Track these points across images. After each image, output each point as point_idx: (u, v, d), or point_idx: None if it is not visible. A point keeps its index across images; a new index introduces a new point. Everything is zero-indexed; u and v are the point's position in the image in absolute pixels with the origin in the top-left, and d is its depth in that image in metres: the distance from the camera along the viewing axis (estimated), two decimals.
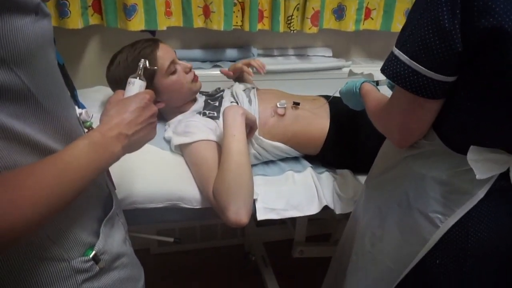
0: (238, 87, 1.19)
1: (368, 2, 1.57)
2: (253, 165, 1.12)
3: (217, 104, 1.11)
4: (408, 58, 0.62)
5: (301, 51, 1.73)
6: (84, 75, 1.58)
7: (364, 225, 0.91)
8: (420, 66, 0.60)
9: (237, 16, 1.51)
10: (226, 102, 1.12)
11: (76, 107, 0.63)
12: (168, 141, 1.05)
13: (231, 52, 1.62)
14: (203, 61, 1.61)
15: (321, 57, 1.71)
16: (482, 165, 0.65)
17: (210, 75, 1.52)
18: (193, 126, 1.00)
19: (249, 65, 1.26)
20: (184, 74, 1.11)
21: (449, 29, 0.56)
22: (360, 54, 1.81)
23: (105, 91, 1.33)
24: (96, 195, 0.61)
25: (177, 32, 1.58)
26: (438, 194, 0.72)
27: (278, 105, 1.13)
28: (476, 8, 0.54)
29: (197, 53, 1.61)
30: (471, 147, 0.66)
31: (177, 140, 0.98)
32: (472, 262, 0.72)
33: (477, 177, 0.64)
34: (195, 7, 1.47)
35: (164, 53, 1.08)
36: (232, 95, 1.16)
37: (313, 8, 1.50)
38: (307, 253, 1.42)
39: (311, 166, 1.14)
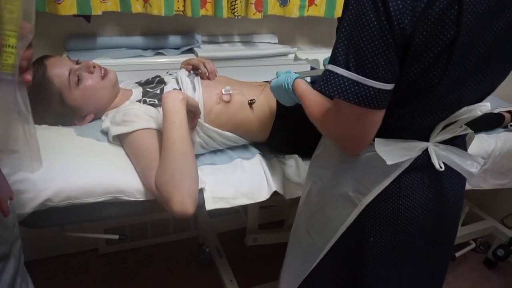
0: (183, 73, 1.13)
1: None
2: (200, 155, 1.09)
3: (158, 91, 1.06)
4: (344, 70, 0.61)
5: (247, 38, 1.70)
6: None
7: (301, 203, 0.94)
8: (358, 75, 0.60)
9: (178, 1, 1.45)
10: (169, 88, 1.06)
11: None
12: (106, 133, 0.98)
13: (174, 39, 1.56)
14: (145, 48, 1.53)
15: (267, 44, 1.70)
16: (391, 153, 0.69)
17: (152, 63, 1.45)
18: (132, 114, 0.94)
19: (202, 65, 1.19)
20: (90, 75, 1.01)
21: (379, 33, 0.57)
22: (305, 41, 1.82)
23: None
24: None
25: (115, 18, 1.49)
26: (356, 174, 0.77)
27: (224, 92, 1.09)
28: (392, 10, 0.56)
29: (138, 40, 1.53)
30: (375, 139, 0.70)
31: (116, 130, 0.92)
32: (402, 237, 0.77)
33: (388, 163, 0.68)
34: None
35: (56, 69, 0.97)
36: (177, 81, 1.10)
37: None
38: (260, 240, 1.42)
39: (259, 153, 1.13)
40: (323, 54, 1.67)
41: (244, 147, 1.17)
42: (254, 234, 1.40)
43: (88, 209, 0.86)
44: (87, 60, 1.04)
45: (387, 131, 0.70)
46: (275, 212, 1.82)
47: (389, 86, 0.62)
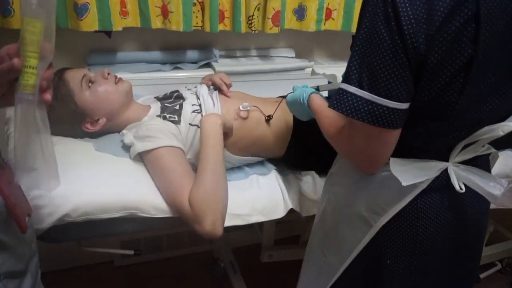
0: (203, 89, 1.14)
1: (328, 3, 1.57)
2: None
3: (177, 107, 1.06)
4: (357, 89, 0.60)
5: (264, 52, 1.70)
6: None
7: (316, 221, 0.92)
8: (371, 94, 0.59)
9: (197, 17, 1.46)
10: (188, 105, 1.07)
11: None
12: (126, 148, 0.99)
13: (192, 54, 1.57)
14: (163, 63, 1.55)
15: (283, 58, 1.69)
16: (406, 173, 0.67)
17: (170, 78, 1.47)
18: (155, 129, 0.95)
19: (223, 83, 1.19)
20: (104, 80, 1.05)
21: (393, 52, 0.56)
22: (322, 54, 1.81)
23: None
24: None
25: (135, 33, 1.51)
26: (371, 193, 0.74)
27: (241, 108, 1.09)
28: (406, 29, 0.55)
29: (156, 54, 1.54)
30: (391, 158, 0.68)
31: (140, 147, 0.93)
32: (420, 260, 0.74)
33: (403, 184, 0.66)
34: (153, 7, 1.41)
35: (72, 73, 1.04)
36: (196, 97, 1.11)
37: (273, 8, 1.48)
38: (276, 257, 1.40)
39: (275, 169, 1.12)
40: (340, 68, 1.66)
41: (260, 162, 1.16)
42: (270, 251, 1.38)
43: (105, 224, 0.86)
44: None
45: (404, 151, 0.68)
46: (291, 227, 1.79)
47: (404, 106, 0.60)
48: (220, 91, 1.17)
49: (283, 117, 1.12)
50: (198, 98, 1.10)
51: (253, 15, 1.49)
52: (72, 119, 1.02)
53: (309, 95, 0.88)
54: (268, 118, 1.10)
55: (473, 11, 0.54)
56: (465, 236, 0.77)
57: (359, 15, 0.62)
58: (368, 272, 0.79)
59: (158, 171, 0.90)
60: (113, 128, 1.07)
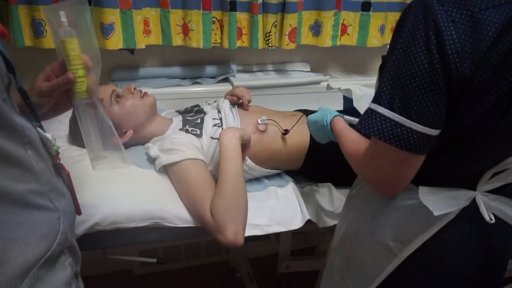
0: (226, 103, 1.19)
1: (344, 19, 1.61)
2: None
3: (199, 121, 1.11)
4: (387, 111, 0.59)
5: (280, 66, 1.75)
6: None
7: (335, 246, 0.91)
8: (402, 117, 0.58)
9: (216, 34, 1.53)
10: (209, 119, 1.12)
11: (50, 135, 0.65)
12: (151, 160, 1.04)
13: (210, 69, 1.63)
14: (183, 78, 1.62)
15: (299, 72, 1.74)
16: (437, 202, 0.65)
17: (190, 92, 1.52)
18: (179, 143, 1.00)
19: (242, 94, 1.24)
20: (131, 95, 1.11)
21: (430, 76, 0.55)
22: (337, 68, 1.85)
23: None
24: (34, 224, 0.53)
25: (157, 50, 1.58)
26: (397, 222, 0.72)
27: (259, 121, 1.14)
28: (450, 53, 0.54)
29: (176, 70, 1.61)
30: (420, 187, 0.67)
31: (166, 159, 0.97)
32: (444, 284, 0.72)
33: (434, 213, 0.64)
34: (174, 26, 1.48)
35: (102, 90, 1.07)
36: (218, 111, 1.16)
37: (290, 25, 1.53)
38: (292, 267, 1.42)
39: (292, 181, 1.15)
40: (355, 82, 1.70)
41: (278, 174, 1.19)
42: (286, 261, 1.40)
43: (131, 233, 0.91)
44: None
45: (431, 178, 0.67)
46: (307, 238, 1.81)
47: (434, 132, 0.59)
48: (239, 105, 1.22)
49: (300, 131, 1.15)
50: (219, 112, 1.15)
51: (270, 31, 1.54)
52: None
53: (333, 118, 0.88)
54: (285, 133, 1.14)
55: None
56: (490, 267, 0.75)
57: (393, 36, 0.62)
58: None
59: (182, 182, 0.95)
60: (138, 140, 1.12)
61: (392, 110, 0.59)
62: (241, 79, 1.60)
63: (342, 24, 1.63)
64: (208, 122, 1.10)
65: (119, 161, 0.73)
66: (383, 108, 0.60)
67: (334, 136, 0.87)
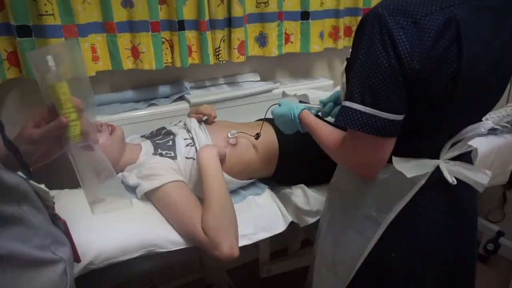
0: (194, 122, 1.20)
1: (285, 28, 1.71)
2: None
3: (170, 143, 1.12)
4: (360, 106, 0.70)
5: (231, 79, 1.80)
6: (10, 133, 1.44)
7: (322, 236, 0.99)
8: (374, 109, 0.69)
9: (166, 54, 1.53)
10: (180, 140, 1.13)
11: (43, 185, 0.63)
12: (129, 189, 1.02)
13: (163, 89, 1.62)
14: (137, 101, 1.59)
15: (250, 82, 1.80)
16: (409, 168, 0.78)
17: (147, 115, 1.50)
18: (157, 167, 1.00)
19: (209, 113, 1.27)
20: (99, 134, 1.07)
21: (391, 73, 0.67)
22: (284, 75, 1.94)
23: None
24: (42, 280, 0.53)
25: (106, 76, 1.54)
26: (377, 195, 0.84)
27: (229, 135, 1.17)
28: (402, 53, 0.66)
29: (129, 94, 1.58)
30: (393, 158, 0.79)
31: (147, 186, 0.96)
32: (421, 255, 0.84)
33: (407, 175, 0.77)
34: (123, 49, 1.46)
35: None
36: (187, 131, 1.17)
37: (238, 39, 1.58)
38: (274, 270, 1.47)
39: (268, 187, 1.20)
40: (303, 86, 1.80)
41: (252, 184, 1.24)
42: (267, 266, 1.45)
43: (124, 266, 0.89)
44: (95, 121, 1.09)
45: (402, 152, 0.79)
46: (280, 241, 1.87)
47: (401, 117, 0.71)
48: (205, 121, 1.24)
49: (269, 139, 1.21)
50: (189, 132, 1.16)
51: (219, 47, 1.58)
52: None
53: (301, 111, 0.97)
54: (257, 137, 1.18)
55: (455, 34, 0.66)
56: (461, 224, 0.87)
57: (353, 42, 0.74)
58: (374, 277, 0.87)
59: (168, 206, 0.95)
60: None
61: (364, 104, 0.70)
62: (196, 96, 1.62)
63: (285, 33, 1.72)
64: (180, 143, 1.11)
65: (120, 201, 0.72)
66: (356, 104, 0.71)
67: (303, 128, 0.96)
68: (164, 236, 0.92)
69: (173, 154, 1.07)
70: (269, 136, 1.20)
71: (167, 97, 1.63)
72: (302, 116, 0.96)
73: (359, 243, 0.87)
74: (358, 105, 0.70)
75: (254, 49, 1.70)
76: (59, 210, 0.89)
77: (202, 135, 1.14)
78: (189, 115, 1.31)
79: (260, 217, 1.10)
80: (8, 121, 1.41)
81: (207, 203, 0.93)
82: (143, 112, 1.51)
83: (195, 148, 1.11)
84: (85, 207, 0.94)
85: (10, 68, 1.33)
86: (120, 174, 1.11)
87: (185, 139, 1.13)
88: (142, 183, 0.98)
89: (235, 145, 1.17)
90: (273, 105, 1.11)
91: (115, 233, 0.88)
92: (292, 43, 1.75)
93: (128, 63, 1.49)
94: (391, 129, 0.71)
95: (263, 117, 1.39)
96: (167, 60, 1.54)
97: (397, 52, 0.66)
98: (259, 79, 1.82)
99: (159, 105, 1.56)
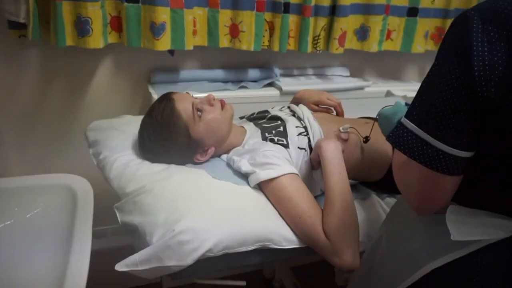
0: (307, 111, 1.12)
1: (389, 23, 1.59)
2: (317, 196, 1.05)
3: (281, 129, 1.04)
4: (415, 127, 0.57)
5: (319, 70, 1.70)
6: (97, 98, 1.42)
7: (364, 257, 0.86)
8: (428, 135, 0.55)
9: (264, 36, 1.45)
10: (291, 127, 1.04)
11: None
12: (239, 175, 0.95)
13: (253, 72, 1.55)
14: (225, 81, 1.52)
15: (339, 77, 1.70)
16: (463, 225, 0.61)
17: (237, 97, 1.43)
18: (273, 156, 0.92)
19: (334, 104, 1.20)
20: (211, 108, 1.00)
21: (456, 96, 0.52)
22: (373, 73, 1.83)
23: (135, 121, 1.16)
24: None
25: (196, 52, 1.48)
26: (430, 232, 0.69)
27: (342, 130, 1.08)
28: (477, 75, 0.50)
29: (219, 73, 1.51)
30: (450, 206, 0.63)
31: (264, 175, 0.89)
32: None
33: (452, 237, 0.59)
34: (222, 26, 1.39)
35: (183, 103, 0.97)
36: (298, 119, 1.08)
37: (341, 29, 1.48)
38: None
39: (374, 193, 1.10)
40: (395, 88, 1.68)
41: (353, 187, 1.14)
42: (347, 273, 1.35)
43: (236, 258, 0.82)
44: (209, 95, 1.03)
45: (472, 198, 0.61)
46: None
47: (462, 154, 0.55)
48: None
49: (382, 139, 1.10)
50: (300, 120, 1.08)
51: (319, 35, 1.49)
52: (180, 151, 0.97)
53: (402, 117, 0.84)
54: (366, 140, 1.09)
55: None
56: None
57: (439, 48, 0.59)
58: None
59: (284, 200, 0.87)
60: (214, 154, 1.03)
61: (420, 126, 0.56)
62: (286, 84, 1.53)
63: (387, 29, 1.60)
64: (292, 130, 1.03)
65: None
66: (411, 124, 0.58)
67: None
68: (279, 232, 0.84)
69: (285, 142, 0.99)
70: (381, 137, 1.10)
71: (255, 81, 1.56)
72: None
73: (389, 280, 0.73)
74: (413, 125, 0.57)
75: (351, 42, 1.59)
76: (170, 187, 0.84)
77: (316, 126, 1.05)
78: (304, 105, 1.21)
79: (364, 222, 1.00)
80: (101, 86, 1.40)
81: (331, 203, 0.85)
82: (234, 93, 1.44)
83: (308, 138, 1.03)
84: (205, 189, 0.88)
85: (111, 33, 1.29)
86: (224, 156, 1.04)
87: (296, 127, 1.05)
88: (258, 171, 0.90)
89: (346, 141, 1.08)
90: (386, 106, 0.99)
91: (235, 221, 0.81)
92: (392, 40, 1.63)
93: (224, 42, 1.42)
94: (448, 164, 0.55)
95: (362, 115, 1.30)
96: (263, 42, 1.46)
97: (471, 73, 0.50)
98: (348, 74, 1.72)
99: (249, 88, 1.49)
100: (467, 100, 0.52)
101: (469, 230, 0.60)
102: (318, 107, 1.20)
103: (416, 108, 0.58)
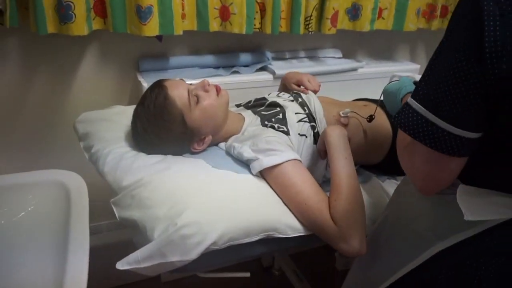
0: (314, 97, 1.08)
1: (380, 1, 1.55)
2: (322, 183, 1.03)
3: (280, 116, 1.00)
4: (421, 107, 0.54)
5: (311, 52, 1.67)
6: (83, 89, 1.35)
7: (374, 229, 0.86)
8: (435, 117, 0.53)
9: (255, 18, 1.40)
10: (291, 113, 1.01)
11: None
12: (239, 163, 0.92)
13: (245, 57, 1.50)
14: (216, 67, 1.47)
15: (331, 59, 1.66)
16: (475, 205, 0.59)
17: (229, 83, 1.38)
18: (275, 142, 0.89)
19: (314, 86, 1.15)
20: (206, 94, 0.96)
21: (465, 74, 0.50)
22: (364, 54, 1.80)
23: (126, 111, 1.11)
24: None
25: (184, 37, 1.42)
26: (437, 213, 0.68)
27: (342, 114, 1.05)
28: (488, 51, 0.47)
29: (209, 58, 1.46)
30: (460, 185, 0.61)
31: (267, 161, 0.86)
32: None
33: (465, 217, 0.57)
34: (212, 9, 1.33)
35: (177, 90, 0.93)
36: (300, 105, 1.05)
37: (333, 8, 1.44)
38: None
39: (375, 176, 1.09)
40: (386, 68, 1.66)
41: None
42: (347, 258, 1.35)
43: (241, 249, 0.80)
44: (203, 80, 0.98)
45: (482, 178, 0.59)
46: None
47: (471, 135, 0.53)
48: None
49: (380, 121, 1.08)
50: (302, 106, 1.04)
51: (311, 15, 1.44)
52: (176, 140, 0.94)
53: (406, 94, 0.83)
54: (371, 119, 1.04)
55: None
56: None
57: (448, 23, 0.56)
58: None
59: (289, 186, 0.84)
60: (212, 143, 1.00)
61: (426, 107, 0.54)
62: (278, 67, 1.49)
63: (379, 7, 1.56)
64: (292, 117, 1.00)
65: None
66: (417, 104, 0.55)
67: None
68: (284, 221, 0.82)
69: (285, 129, 0.96)
70: (381, 119, 1.08)
71: (247, 66, 1.51)
72: (405, 98, 0.82)
73: (394, 262, 0.73)
74: (419, 105, 0.55)
75: (343, 22, 1.55)
76: (168, 178, 0.81)
77: (321, 112, 1.03)
78: (286, 85, 1.18)
79: (367, 206, 0.98)
80: (87, 75, 1.33)
81: (338, 188, 0.82)
82: (226, 79, 1.40)
83: (309, 125, 1.00)
84: (206, 179, 0.85)
85: (95, 18, 1.22)
86: (222, 145, 1.00)
87: (296, 113, 1.01)
88: (261, 157, 0.87)
89: (346, 125, 1.05)
90: (392, 81, 0.97)
91: (239, 212, 0.78)
92: (384, 19, 1.60)
93: (214, 25, 1.37)
94: (454, 146, 0.53)
95: (363, 97, 1.27)
96: (255, 25, 1.41)
97: (482, 48, 0.47)
98: (341, 56, 1.68)
99: (241, 74, 1.44)
100: (476, 78, 0.49)
101: (481, 209, 0.58)
102: (299, 87, 1.16)
103: (422, 88, 0.55)
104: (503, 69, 0.47)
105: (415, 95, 0.56)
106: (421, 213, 0.70)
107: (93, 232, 1.40)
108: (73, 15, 1.12)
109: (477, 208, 0.58)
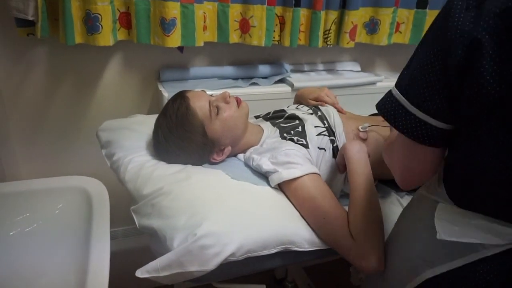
0: (332, 109, 1.09)
1: (398, 16, 1.55)
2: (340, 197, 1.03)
3: (300, 129, 1.01)
4: (399, 94, 0.56)
5: (329, 66, 1.67)
6: (106, 97, 1.39)
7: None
8: (405, 100, 0.55)
9: (274, 31, 1.42)
10: (310, 126, 1.02)
11: None
12: (258, 175, 0.93)
13: (263, 69, 1.52)
14: (235, 78, 1.49)
15: (350, 72, 1.67)
16: (450, 225, 0.58)
17: (248, 94, 1.40)
18: (294, 155, 0.90)
19: (333, 101, 1.17)
20: (227, 105, 0.97)
21: (432, 62, 0.52)
22: (383, 67, 1.80)
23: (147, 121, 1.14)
24: None
25: (205, 48, 1.45)
26: (429, 240, 0.64)
27: (361, 129, 1.05)
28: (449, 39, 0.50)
29: (228, 69, 1.49)
30: (440, 204, 0.61)
31: (286, 174, 0.86)
32: None
33: (437, 236, 0.58)
34: (232, 22, 1.36)
35: (198, 101, 0.95)
36: (320, 118, 1.06)
37: (352, 22, 1.45)
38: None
39: (394, 192, 1.08)
40: None
41: None
42: (362, 273, 1.33)
43: (258, 261, 0.80)
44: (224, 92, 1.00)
45: (468, 198, 0.58)
46: None
47: (438, 124, 0.54)
48: None
49: None
50: (322, 120, 1.05)
51: (330, 29, 1.46)
52: (196, 150, 0.95)
53: None
54: None
55: None
56: None
57: None
58: None
59: (308, 200, 0.84)
60: (234, 149, 1.01)
61: (403, 94, 0.56)
62: (297, 80, 1.51)
63: (396, 22, 1.57)
64: (311, 130, 1.00)
65: None
66: (396, 91, 0.58)
67: None
68: (301, 234, 0.82)
69: (305, 142, 0.97)
70: None
71: (266, 77, 1.53)
72: None
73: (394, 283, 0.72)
74: (398, 92, 0.57)
75: (360, 36, 1.56)
76: (188, 188, 0.82)
77: (341, 128, 1.03)
78: (302, 102, 1.19)
79: (385, 221, 0.98)
80: (110, 84, 1.37)
81: (357, 204, 0.82)
82: (245, 90, 1.42)
83: (328, 139, 1.00)
84: (224, 191, 0.86)
85: (120, 29, 1.26)
86: (241, 156, 1.01)
87: (316, 126, 1.02)
88: (280, 170, 0.87)
89: (365, 140, 1.05)
90: None
91: (257, 224, 0.79)
92: (401, 33, 1.60)
93: (234, 37, 1.39)
94: (424, 134, 0.55)
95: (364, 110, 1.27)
96: (274, 37, 1.43)
97: (445, 34, 0.50)
98: (359, 69, 1.69)
99: (260, 85, 1.46)
100: (440, 63, 0.51)
101: (460, 231, 0.58)
102: (318, 103, 1.17)
103: (403, 76, 0.58)
104: (461, 56, 0.49)
105: (396, 83, 0.59)
106: (416, 237, 0.69)
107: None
108: (100, 26, 1.15)
109: (453, 229, 0.58)
